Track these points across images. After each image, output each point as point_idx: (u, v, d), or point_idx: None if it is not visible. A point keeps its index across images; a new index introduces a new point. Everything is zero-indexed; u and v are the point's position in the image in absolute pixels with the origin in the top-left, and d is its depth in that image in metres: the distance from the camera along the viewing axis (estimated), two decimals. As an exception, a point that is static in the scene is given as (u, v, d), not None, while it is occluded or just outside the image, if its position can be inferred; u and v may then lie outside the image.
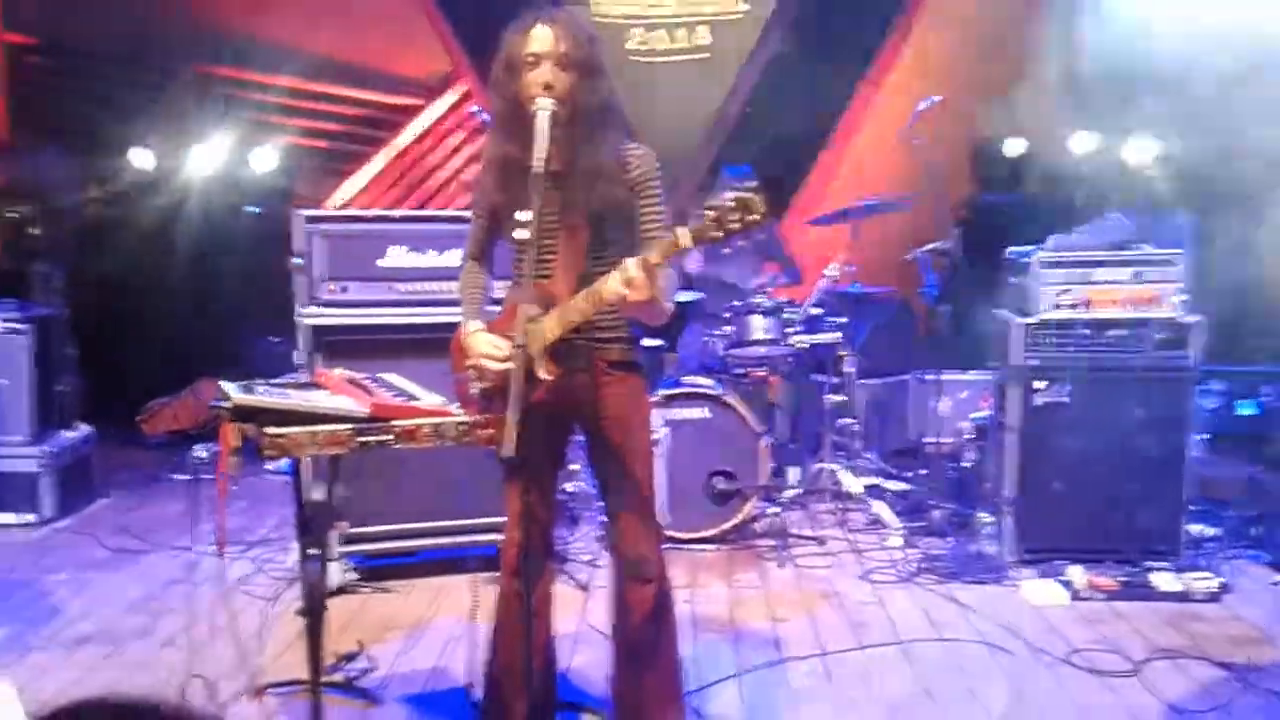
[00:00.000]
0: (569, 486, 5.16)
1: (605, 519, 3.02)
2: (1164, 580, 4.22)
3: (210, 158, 6.75)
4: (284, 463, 3.36)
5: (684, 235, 2.45)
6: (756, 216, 2.39)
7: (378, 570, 4.46)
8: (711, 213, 2.42)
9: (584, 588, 4.33)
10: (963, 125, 6.72)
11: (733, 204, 2.39)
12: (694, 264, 5.80)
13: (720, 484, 4.87)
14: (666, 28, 7.18)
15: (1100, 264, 4.48)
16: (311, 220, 4.35)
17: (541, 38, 2.69)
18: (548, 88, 2.65)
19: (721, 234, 2.42)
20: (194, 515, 3.14)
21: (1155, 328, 4.44)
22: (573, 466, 5.09)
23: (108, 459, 6.04)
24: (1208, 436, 6.14)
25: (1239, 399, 6.51)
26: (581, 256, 2.76)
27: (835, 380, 5.62)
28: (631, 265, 2.51)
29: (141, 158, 6.69)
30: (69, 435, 5.60)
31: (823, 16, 7.05)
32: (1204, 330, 4.40)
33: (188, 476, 5.91)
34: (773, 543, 4.86)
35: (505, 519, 2.95)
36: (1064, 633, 3.91)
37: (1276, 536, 4.56)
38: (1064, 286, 4.47)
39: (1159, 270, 4.44)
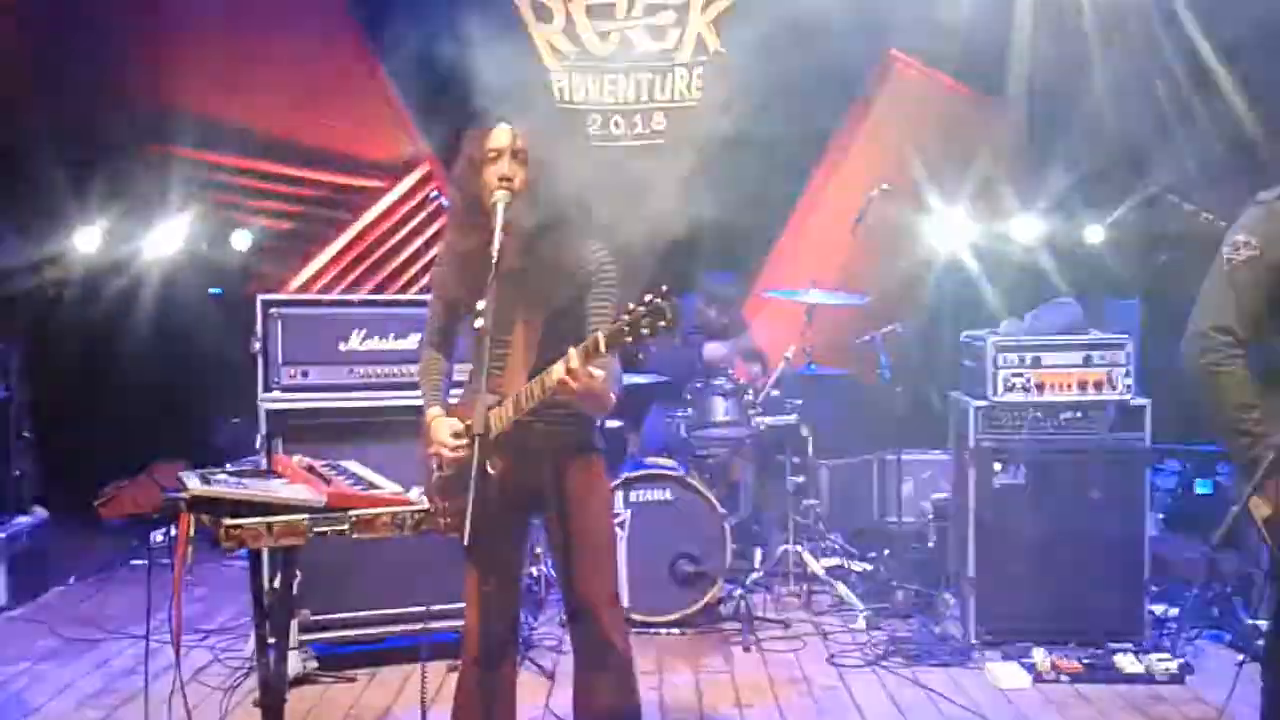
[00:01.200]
0: (534, 571, 5.12)
1: (566, 605, 3.00)
2: (1127, 662, 4.24)
3: (170, 238, 6.74)
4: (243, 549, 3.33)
5: (600, 338, 2.52)
6: (665, 323, 2.45)
7: (340, 658, 4.39)
8: (626, 317, 2.48)
9: (549, 675, 4.27)
10: (915, 211, 6.86)
11: (644, 310, 2.45)
12: (712, 351, 5.86)
13: (685, 566, 4.85)
14: (624, 115, 7.33)
15: (1051, 348, 4.56)
16: (271, 304, 4.36)
17: (500, 135, 2.78)
18: (506, 180, 2.71)
19: (633, 339, 2.48)
20: (150, 603, 3.08)
21: (1107, 410, 4.53)
22: (537, 550, 5.06)
23: (64, 543, 5.94)
24: (1164, 517, 6.24)
25: (1196, 478, 6.60)
26: (535, 350, 2.80)
27: (797, 461, 5.65)
28: (573, 355, 2.56)
29: (99, 238, 6.66)
30: (23, 520, 5.50)
31: (777, 104, 7.21)
32: (1150, 412, 4.48)
33: (144, 563, 5.82)
34: (738, 626, 4.83)
35: (465, 605, 2.93)
36: (1029, 716, 3.91)
37: (1236, 616, 4.59)
38: (1016, 370, 4.55)
39: (1108, 353, 4.54)
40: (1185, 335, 2.64)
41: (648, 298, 2.47)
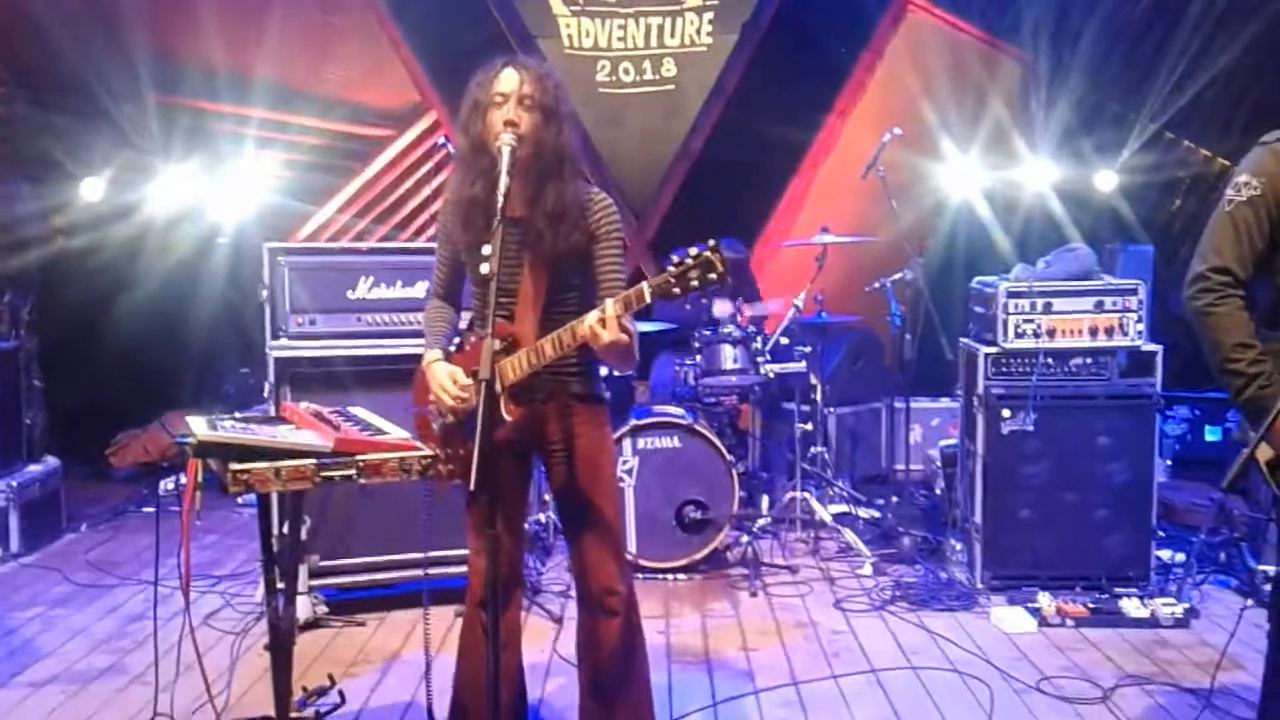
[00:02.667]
0: (541, 517, 5.16)
1: (569, 552, 3.02)
2: (1132, 606, 4.25)
3: (177, 188, 6.72)
4: (252, 495, 3.35)
5: (645, 289, 2.52)
6: (716, 275, 2.46)
7: (349, 603, 4.44)
8: (674, 269, 2.49)
9: (557, 619, 4.31)
10: (927, 157, 6.81)
11: (693, 262, 2.47)
12: (722, 310, 5.83)
13: (692, 513, 4.87)
14: (633, 61, 7.24)
15: (1063, 294, 4.54)
16: (279, 253, 4.36)
17: (508, 79, 2.74)
18: (511, 125, 2.68)
19: (680, 290, 2.50)
20: (160, 550, 3.11)
21: (1118, 356, 4.51)
22: (546, 496, 5.09)
23: (75, 492, 6.00)
24: (1172, 463, 6.24)
25: (1205, 425, 6.60)
26: (542, 298, 2.79)
27: (805, 409, 5.65)
28: (610, 305, 2.55)
29: (105, 188, 6.65)
30: (35, 469, 5.54)
31: (787, 50, 7.13)
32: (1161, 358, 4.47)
33: (155, 510, 5.88)
34: (745, 571, 4.86)
35: (469, 550, 2.95)
36: (1034, 660, 3.93)
37: (1243, 562, 4.60)
38: (1027, 316, 4.52)
39: (1120, 299, 4.51)
40: (1186, 278, 2.62)
41: (693, 250, 2.48)
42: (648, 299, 2.53)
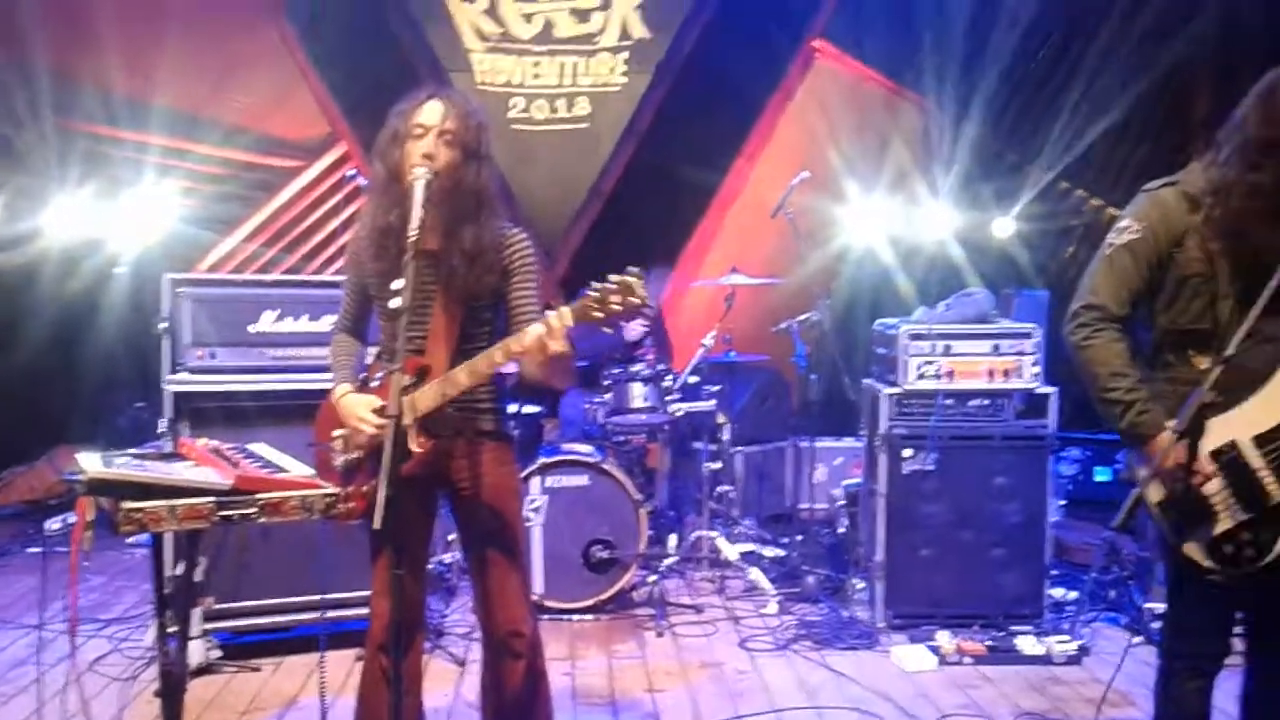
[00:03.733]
0: (446, 558, 5.09)
1: (474, 592, 2.98)
2: (1027, 644, 4.35)
3: (74, 216, 6.53)
4: (144, 535, 3.23)
5: (565, 313, 2.52)
6: (637, 300, 2.46)
7: (244, 647, 4.30)
8: (594, 293, 2.49)
9: (460, 662, 4.25)
10: (832, 201, 6.97)
11: (615, 286, 2.47)
12: (635, 334, 5.87)
13: (599, 552, 4.86)
14: (547, 98, 7.29)
15: (961, 337, 4.66)
16: (180, 284, 4.25)
17: (431, 111, 2.73)
18: (429, 158, 2.67)
19: (603, 314, 2.49)
20: (46, 591, 2.98)
21: (1014, 398, 4.65)
22: (450, 536, 5.03)
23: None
24: (1066, 503, 6.43)
25: (1096, 466, 6.82)
26: (455, 332, 2.77)
27: (713, 448, 5.69)
28: (553, 316, 2.54)
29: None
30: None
31: (699, 91, 7.25)
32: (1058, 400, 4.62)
33: (40, 550, 5.64)
34: (651, 611, 4.86)
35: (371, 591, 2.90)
36: (933, 698, 3.99)
37: (1131, 600, 4.74)
38: (928, 358, 4.63)
39: (1016, 343, 4.64)
40: (1066, 315, 2.71)
41: (613, 277, 2.48)
42: (569, 322, 2.52)
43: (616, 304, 2.47)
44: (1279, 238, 2.44)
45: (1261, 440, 2.50)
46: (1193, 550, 2.51)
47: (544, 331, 2.54)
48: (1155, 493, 2.54)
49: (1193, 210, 2.57)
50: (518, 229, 2.89)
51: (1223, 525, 2.51)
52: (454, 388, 2.67)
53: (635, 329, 5.80)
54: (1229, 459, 2.51)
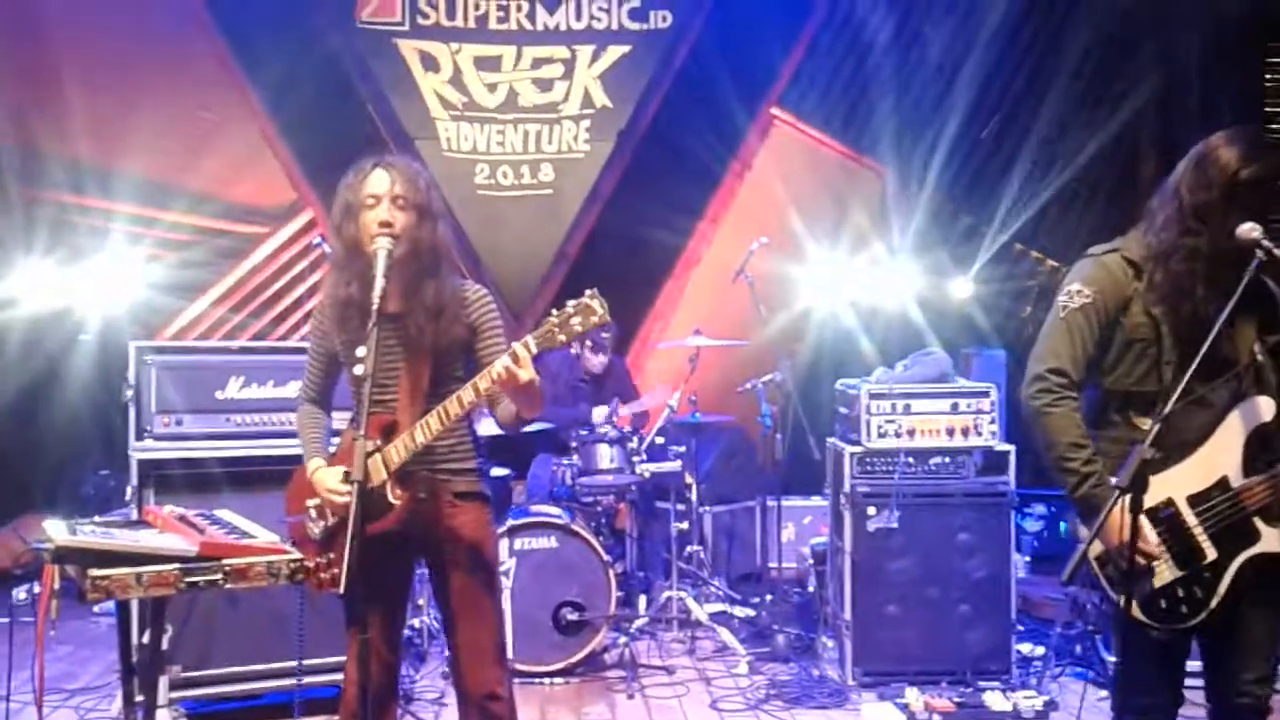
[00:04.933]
0: (415, 622, 5.06)
1: (450, 654, 2.99)
2: (995, 700, 4.37)
3: (39, 283, 6.52)
4: (111, 604, 3.21)
5: (530, 342, 2.58)
6: (597, 317, 2.54)
7: (212, 715, 4.26)
8: (554, 318, 2.57)
9: (428, 727, 4.22)
10: (793, 264, 7.10)
11: (572, 310, 2.56)
12: (597, 367, 5.93)
13: (569, 614, 4.85)
14: (511, 165, 7.40)
15: (921, 395, 4.75)
16: (146, 351, 4.25)
17: (379, 180, 2.79)
18: (386, 226, 2.73)
19: (565, 337, 2.57)
20: (11, 662, 2.95)
21: (974, 455, 4.73)
22: (419, 601, 5.01)
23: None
24: (1031, 559, 6.50)
25: (1060, 521, 6.89)
26: (423, 390, 2.82)
27: (681, 508, 5.72)
28: (518, 346, 2.60)
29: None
30: None
31: (660, 157, 7.39)
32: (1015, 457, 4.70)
33: (5, 619, 5.54)
34: (622, 673, 4.85)
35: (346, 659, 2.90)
36: (902, 754, 4.00)
37: (1097, 654, 4.79)
38: (889, 417, 4.71)
39: (975, 401, 4.73)
40: (1025, 379, 2.77)
41: (571, 302, 2.56)
42: (534, 350, 2.58)
43: (578, 324, 2.55)
44: (1216, 299, 2.53)
45: (1194, 500, 2.60)
46: (1130, 606, 2.56)
47: (510, 363, 2.58)
48: (1096, 548, 2.62)
49: (1136, 276, 2.67)
50: (476, 285, 2.96)
51: (1159, 581, 2.59)
52: (427, 435, 2.71)
53: (596, 363, 5.87)
54: (1166, 515, 2.61)
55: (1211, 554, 2.58)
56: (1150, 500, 2.52)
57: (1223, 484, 2.60)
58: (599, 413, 5.60)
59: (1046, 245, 7.59)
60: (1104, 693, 4.51)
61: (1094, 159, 7.23)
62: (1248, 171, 2.55)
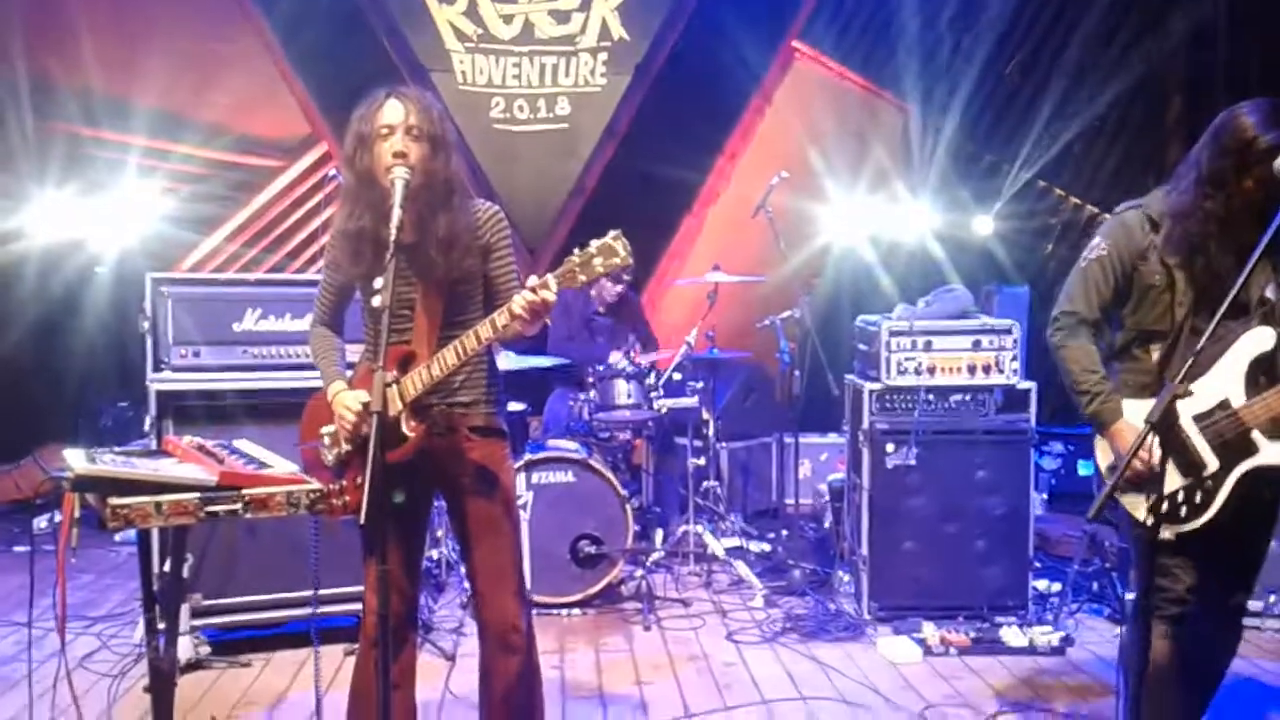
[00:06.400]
0: (434, 554, 5.09)
1: (470, 587, 3.00)
2: (1012, 635, 4.39)
3: (55, 216, 6.50)
4: (131, 533, 3.23)
5: (551, 281, 2.55)
6: (619, 259, 2.51)
7: (233, 643, 4.30)
8: (576, 258, 2.54)
9: (450, 657, 4.26)
10: (813, 199, 7.01)
11: (595, 250, 2.53)
12: (610, 295, 5.89)
13: (586, 548, 4.87)
14: (527, 99, 7.30)
15: (942, 333, 4.70)
16: (162, 283, 4.24)
17: (393, 110, 2.73)
18: (401, 156, 2.68)
19: (586, 277, 2.55)
20: (33, 588, 2.97)
21: (995, 393, 4.69)
22: (437, 533, 5.04)
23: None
24: (1049, 496, 6.49)
25: (1079, 459, 6.88)
26: (438, 319, 2.79)
27: (698, 444, 5.72)
28: (516, 304, 2.57)
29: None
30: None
31: (678, 92, 7.28)
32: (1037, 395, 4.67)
33: (27, 548, 5.62)
34: (639, 606, 4.88)
35: (365, 587, 2.91)
36: (918, 688, 4.02)
37: (1114, 590, 4.80)
38: (909, 354, 4.67)
39: (996, 339, 4.68)
40: (1050, 318, 3.11)
41: (595, 242, 2.53)
42: (554, 289, 2.55)
43: (599, 265, 2.53)
44: (1228, 255, 2.81)
45: (1199, 419, 2.88)
46: (1133, 505, 2.88)
47: (532, 297, 2.54)
48: (1104, 458, 3.01)
49: (1154, 230, 2.97)
50: (487, 203, 2.92)
51: (1165, 488, 2.78)
52: (442, 368, 2.69)
53: (611, 291, 5.81)
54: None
55: (1213, 465, 2.85)
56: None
57: (1224, 405, 2.86)
58: (616, 356, 5.58)
59: (1070, 183, 7.49)
60: (1120, 628, 4.51)
61: (1120, 97, 7.10)
62: (1264, 141, 2.73)
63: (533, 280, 2.57)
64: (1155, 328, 2.98)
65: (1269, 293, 2.88)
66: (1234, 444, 2.83)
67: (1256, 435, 2.82)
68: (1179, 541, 2.87)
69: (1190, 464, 2.86)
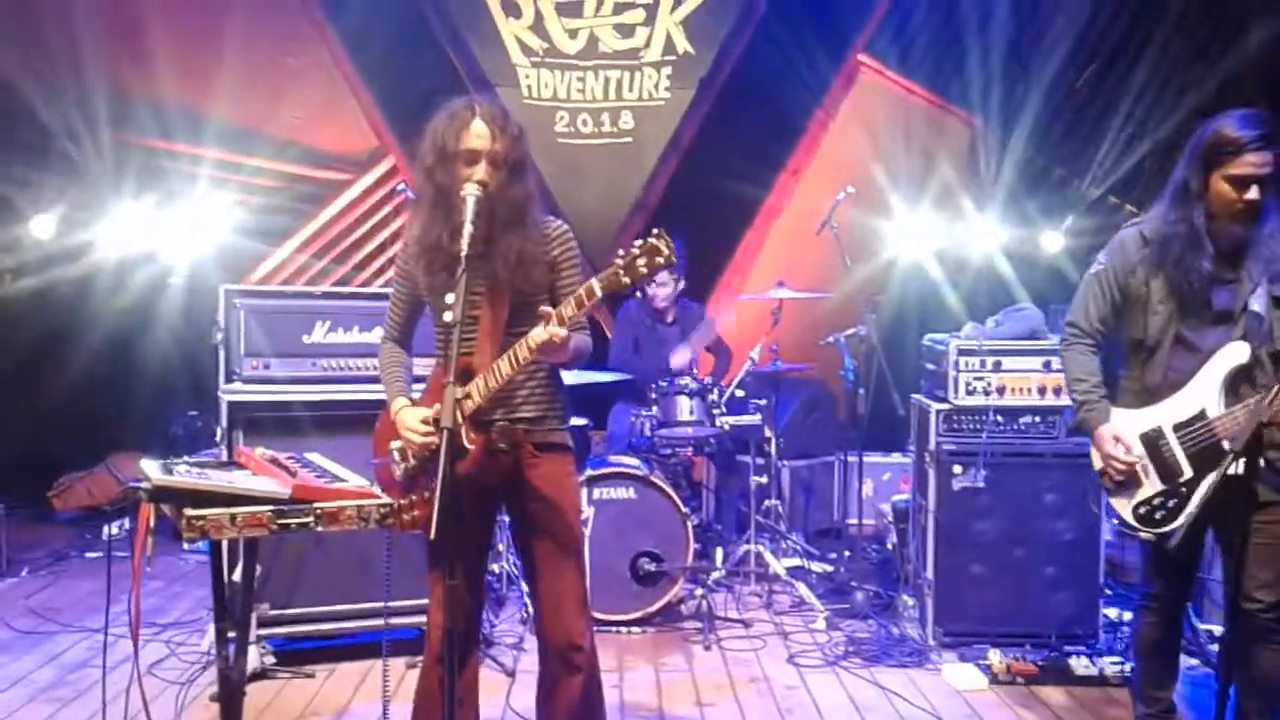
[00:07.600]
0: (495, 568, 5.11)
1: (533, 605, 2.99)
2: (1080, 664, 4.29)
3: (129, 227, 6.65)
4: (202, 542, 3.27)
5: (595, 284, 2.57)
6: (663, 257, 2.51)
7: (298, 654, 4.35)
8: (620, 261, 2.54)
9: (510, 673, 4.26)
10: (878, 215, 6.95)
11: (638, 250, 2.53)
12: (661, 301, 5.89)
13: (646, 565, 4.85)
14: (591, 113, 7.33)
15: (1012, 353, 4.62)
16: (235, 295, 4.32)
17: (480, 135, 2.73)
18: (482, 185, 2.70)
19: (630, 279, 2.55)
20: (110, 595, 3.03)
21: (1065, 415, 4.59)
22: (499, 547, 5.05)
23: (16, 535, 5.85)
24: (1118, 521, 6.32)
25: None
26: (501, 329, 2.80)
27: (760, 461, 5.68)
28: (570, 303, 2.61)
29: (55, 227, 6.56)
30: (-26, 510, 5.40)
31: (742, 106, 7.26)
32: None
33: (99, 555, 5.74)
34: (699, 625, 4.85)
35: (429, 602, 2.92)
36: (984, 717, 3.95)
37: (1187, 621, 4.66)
38: (978, 374, 4.60)
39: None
40: None
41: (638, 242, 2.54)
42: (598, 293, 2.57)
43: (643, 265, 2.54)
44: (1199, 264, 3.04)
45: (1179, 428, 3.15)
46: (1119, 506, 3.24)
47: (554, 322, 2.59)
48: (1096, 462, 3.31)
49: (1145, 245, 3.22)
50: (557, 221, 2.92)
51: (1144, 493, 3.20)
52: (498, 378, 2.70)
53: (682, 357, 5.73)
54: (1153, 438, 3.19)
55: (1188, 472, 3.13)
56: (1144, 426, 3.22)
57: (1202, 415, 3.11)
58: (676, 359, 5.54)
59: (1142, 199, 7.33)
60: (1194, 660, 4.39)
61: (1194, 112, 6.93)
62: (1232, 133, 3.00)
63: (546, 309, 2.62)
64: (1139, 337, 3.24)
65: (1253, 303, 3.07)
66: (1207, 453, 3.07)
67: (1227, 445, 3.02)
68: (1160, 543, 3.14)
69: (1168, 471, 3.16)
